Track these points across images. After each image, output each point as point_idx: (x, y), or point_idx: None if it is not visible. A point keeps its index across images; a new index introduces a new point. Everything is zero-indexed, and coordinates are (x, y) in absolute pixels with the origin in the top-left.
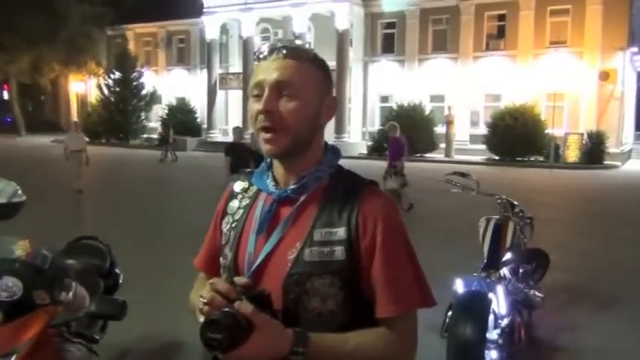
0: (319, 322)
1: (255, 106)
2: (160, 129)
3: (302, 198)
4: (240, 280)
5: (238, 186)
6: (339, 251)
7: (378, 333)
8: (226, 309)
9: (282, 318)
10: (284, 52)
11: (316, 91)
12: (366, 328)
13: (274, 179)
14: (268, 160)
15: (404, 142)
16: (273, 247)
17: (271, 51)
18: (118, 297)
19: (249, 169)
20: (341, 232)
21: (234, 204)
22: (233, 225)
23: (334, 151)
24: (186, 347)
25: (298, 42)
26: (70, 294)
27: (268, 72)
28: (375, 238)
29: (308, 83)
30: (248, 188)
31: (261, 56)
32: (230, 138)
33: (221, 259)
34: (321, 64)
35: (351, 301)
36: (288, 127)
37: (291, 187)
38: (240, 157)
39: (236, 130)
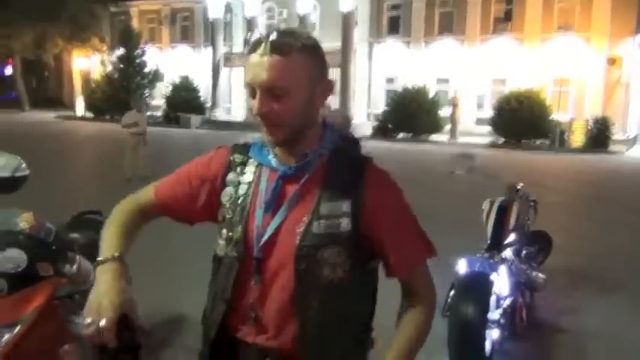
0: (330, 290)
1: (251, 102)
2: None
3: (306, 175)
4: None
5: (237, 158)
6: (345, 222)
7: (412, 305)
8: None
9: (296, 287)
10: (270, 47)
11: (308, 81)
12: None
13: (275, 154)
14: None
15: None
16: (281, 222)
17: (258, 44)
18: None
19: (243, 142)
20: (346, 205)
21: (233, 177)
22: (239, 200)
23: (332, 128)
24: (188, 322)
25: (292, 27)
26: (74, 267)
27: (257, 72)
28: (382, 210)
29: (298, 78)
30: (246, 162)
31: (249, 50)
32: (233, 117)
33: (224, 231)
34: (312, 49)
35: (356, 269)
36: (284, 123)
37: (296, 164)
38: None
39: None
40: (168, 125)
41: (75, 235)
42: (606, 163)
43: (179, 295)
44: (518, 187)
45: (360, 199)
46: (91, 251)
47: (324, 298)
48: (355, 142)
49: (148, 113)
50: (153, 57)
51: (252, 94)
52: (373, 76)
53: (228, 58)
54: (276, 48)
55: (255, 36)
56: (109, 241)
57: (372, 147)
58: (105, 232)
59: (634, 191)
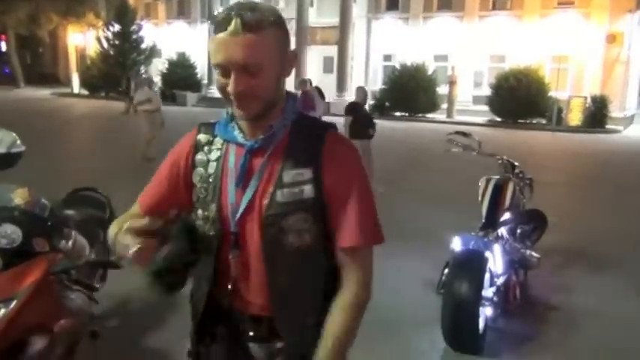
0: (298, 258)
1: (223, 81)
2: (124, 82)
3: (271, 147)
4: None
5: (203, 138)
6: (308, 189)
7: (346, 286)
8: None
9: (263, 257)
10: (242, 25)
11: (279, 54)
12: (335, 300)
13: (240, 130)
14: (229, 111)
15: (312, 95)
16: (252, 195)
17: (226, 22)
18: None
19: (208, 122)
20: (308, 172)
21: (202, 157)
22: (210, 179)
23: (294, 98)
24: (185, 297)
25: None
26: (70, 242)
27: (230, 51)
28: (341, 177)
29: (270, 52)
30: (212, 140)
31: (217, 28)
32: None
33: (200, 212)
34: (279, 23)
35: (324, 236)
36: (258, 97)
37: (261, 137)
38: (361, 119)
39: (360, 90)
40: (164, 103)
41: (70, 212)
42: (603, 142)
43: None
44: (515, 165)
45: (321, 166)
46: (86, 227)
47: (291, 264)
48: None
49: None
50: (149, 33)
51: (224, 73)
52: (371, 53)
53: None
54: (247, 25)
55: (218, 12)
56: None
57: None
58: (113, 235)
59: (631, 170)
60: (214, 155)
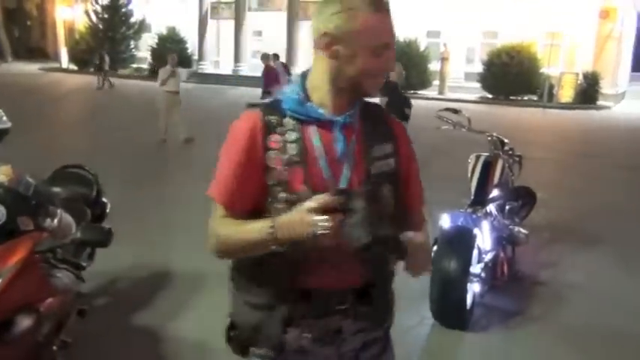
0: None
1: (377, 60)
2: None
3: (355, 122)
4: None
5: (273, 119)
6: (392, 162)
7: (422, 232)
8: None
9: None
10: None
11: None
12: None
13: (319, 107)
14: (300, 91)
15: (277, 70)
16: (350, 170)
17: (385, 1)
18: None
19: (263, 102)
20: (389, 147)
21: (277, 139)
22: (294, 159)
23: None
24: (174, 275)
25: None
26: (55, 220)
27: (392, 30)
28: (410, 153)
29: None
30: (281, 121)
31: (379, 8)
32: (221, 70)
33: (283, 195)
34: None
35: (398, 202)
36: None
37: (350, 112)
38: (397, 99)
39: (397, 66)
40: (154, 79)
41: (57, 189)
42: (594, 118)
43: (168, 252)
44: (504, 142)
45: (396, 142)
46: (72, 205)
47: None
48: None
49: (134, 65)
50: (138, 7)
51: (377, 52)
52: None
53: (215, 9)
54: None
55: None
56: (248, 225)
57: None
58: (234, 232)
59: (620, 147)
60: (291, 136)
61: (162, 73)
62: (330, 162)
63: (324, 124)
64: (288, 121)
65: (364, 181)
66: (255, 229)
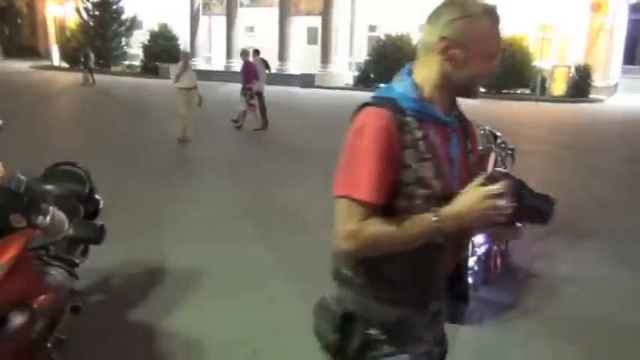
0: None
1: (488, 66)
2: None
3: (456, 121)
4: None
5: (402, 119)
6: (473, 157)
7: None
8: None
9: None
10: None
11: None
12: None
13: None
14: (415, 90)
15: (256, 66)
16: (466, 166)
17: (494, 13)
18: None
19: (382, 101)
20: (470, 143)
21: (410, 137)
22: (426, 157)
23: None
24: (167, 272)
25: None
26: (48, 218)
27: (500, 40)
28: (477, 148)
29: None
30: (404, 119)
31: (496, 22)
32: (214, 67)
33: (421, 191)
34: None
35: None
36: None
37: (455, 113)
38: None
39: None
40: (147, 76)
41: (49, 187)
42: (586, 112)
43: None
44: (497, 135)
45: (471, 140)
46: (65, 202)
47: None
48: None
49: (126, 62)
50: (130, 3)
51: (489, 58)
52: (355, 24)
53: (207, 5)
54: None
55: (478, 4)
56: (407, 221)
57: (354, 97)
58: (389, 230)
59: (612, 140)
60: (418, 134)
61: (174, 69)
62: (447, 159)
63: (439, 123)
64: (410, 121)
65: (492, 172)
66: (418, 224)
